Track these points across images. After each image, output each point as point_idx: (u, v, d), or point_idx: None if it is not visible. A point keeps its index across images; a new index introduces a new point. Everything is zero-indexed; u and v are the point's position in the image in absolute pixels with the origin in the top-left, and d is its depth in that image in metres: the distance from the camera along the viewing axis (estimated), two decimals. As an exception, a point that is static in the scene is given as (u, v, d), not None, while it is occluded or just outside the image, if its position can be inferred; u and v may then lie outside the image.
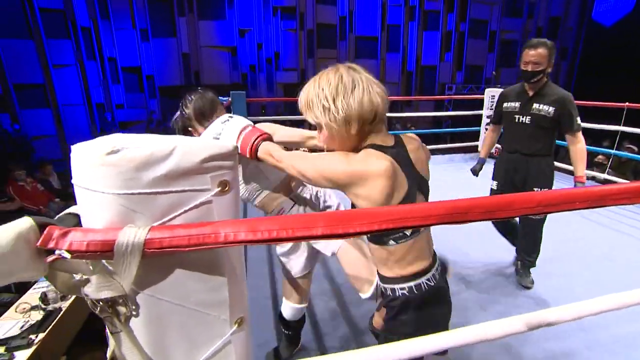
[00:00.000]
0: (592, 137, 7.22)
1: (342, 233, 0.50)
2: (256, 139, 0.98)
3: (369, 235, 0.92)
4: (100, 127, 10.62)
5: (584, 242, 2.83)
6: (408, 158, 0.92)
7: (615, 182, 4.61)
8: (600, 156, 5.91)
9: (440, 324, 0.98)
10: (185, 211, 0.51)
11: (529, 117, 2.05)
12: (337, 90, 0.86)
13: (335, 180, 0.85)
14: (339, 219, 0.51)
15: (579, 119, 2.00)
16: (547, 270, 2.35)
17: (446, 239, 1.91)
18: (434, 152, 6.47)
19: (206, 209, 0.52)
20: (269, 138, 1.02)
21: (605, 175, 4.36)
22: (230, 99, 4.62)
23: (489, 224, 2.33)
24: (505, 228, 2.38)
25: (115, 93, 10.75)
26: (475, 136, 5.60)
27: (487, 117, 5.41)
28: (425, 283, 0.93)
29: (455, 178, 4.60)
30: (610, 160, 4.54)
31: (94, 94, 10.40)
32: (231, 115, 1.11)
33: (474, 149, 5.68)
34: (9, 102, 9.31)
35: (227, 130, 1.01)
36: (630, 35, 11.15)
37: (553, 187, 2.13)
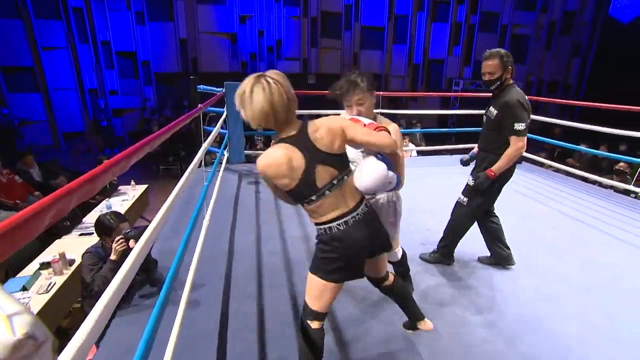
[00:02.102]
0: (608, 141, 6.85)
1: None
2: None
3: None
4: (92, 113, 10.22)
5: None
6: (308, 140, 1.21)
7: (637, 193, 4.26)
8: (621, 163, 5.53)
9: (346, 255, 1.29)
10: None
11: (486, 118, 2.28)
12: (241, 100, 1.17)
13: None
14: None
15: (518, 124, 2.06)
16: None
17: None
18: (441, 152, 6.14)
19: None
20: None
21: (626, 186, 3.99)
22: (224, 91, 4.25)
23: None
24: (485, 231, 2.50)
25: (108, 78, 10.31)
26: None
27: (500, 117, 5.05)
28: (335, 227, 1.27)
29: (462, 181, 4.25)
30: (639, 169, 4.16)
31: (86, 78, 9.97)
32: None
33: (484, 151, 5.33)
34: (-4, 85, 8.90)
35: None
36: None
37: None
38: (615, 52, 11.90)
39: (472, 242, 2.58)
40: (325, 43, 11.65)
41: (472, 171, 2.39)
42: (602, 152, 5.59)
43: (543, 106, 12.99)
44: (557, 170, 4.98)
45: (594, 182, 4.66)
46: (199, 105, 2.53)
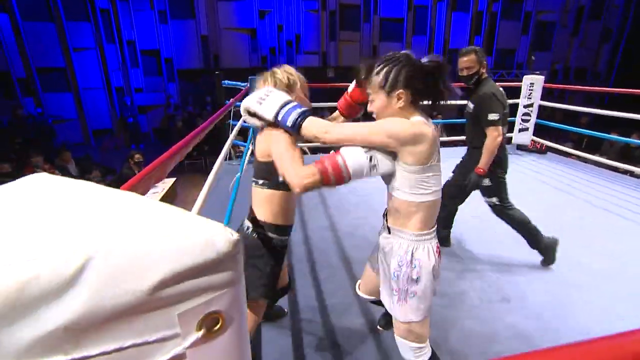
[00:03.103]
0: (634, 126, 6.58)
1: None
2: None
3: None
4: (119, 111, 10.62)
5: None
6: None
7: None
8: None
9: None
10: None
11: (465, 114, 2.35)
12: None
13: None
14: None
15: (492, 115, 2.12)
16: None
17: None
18: (462, 143, 6.07)
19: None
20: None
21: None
22: (248, 85, 4.36)
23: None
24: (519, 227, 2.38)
25: (134, 76, 10.67)
26: (509, 127, 5.16)
27: (524, 106, 4.96)
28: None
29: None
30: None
31: (113, 77, 10.36)
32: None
33: (508, 141, 5.26)
34: (33, 85, 9.39)
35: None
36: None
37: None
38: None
39: (499, 234, 2.60)
40: (344, 36, 11.62)
41: (455, 167, 2.48)
42: (634, 140, 5.41)
43: (569, 94, 12.57)
44: (586, 160, 4.86)
45: (625, 172, 4.53)
46: (230, 100, 2.65)
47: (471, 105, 2.27)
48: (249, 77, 4.39)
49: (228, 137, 4.54)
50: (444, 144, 5.69)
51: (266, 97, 1.08)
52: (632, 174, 4.51)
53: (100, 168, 6.07)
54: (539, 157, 4.95)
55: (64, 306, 0.23)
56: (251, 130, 4.59)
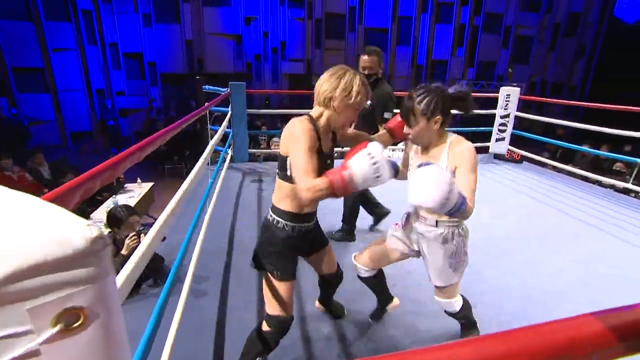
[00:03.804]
0: (610, 142, 6.87)
1: None
2: None
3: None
4: (99, 114, 10.40)
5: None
6: None
7: (637, 192, 4.29)
8: (618, 163, 5.56)
9: None
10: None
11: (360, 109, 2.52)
12: None
13: None
14: None
15: (387, 113, 2.36)
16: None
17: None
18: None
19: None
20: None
21: (625, 184, 4.01)
22: (229, 90, 4.34)
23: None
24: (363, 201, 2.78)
25: (115, 79, 10.49)
26: (487, 137, 5.28)
27: (501, 117, 5.08)
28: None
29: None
30: (638, 168, 4.18)
31: (94, 79, 10.15)
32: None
33: (485, 150, 5.38)
34: (7, 85, 9.10)
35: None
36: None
37: None
38: (620, 52, 11.86)
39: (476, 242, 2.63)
40: (329, 44, 11.74)
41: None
42: (602, 152, 5.62)
43: (547, 106, 13.00)
44: (560, 170, 5.01)
45: (594, 182, 4.69)
46: (206, 104, 2.62)
47: (368, 103, 2.41)
48: (229, 83, 4.37)
49: (208, 142, 4.50)
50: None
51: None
52: (600, 183, 4.67)
53: (75, 171, 5.90)
54: (514, 166, 5.06)
55: None
56: (230, 135, 4.56)
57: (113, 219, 2.24)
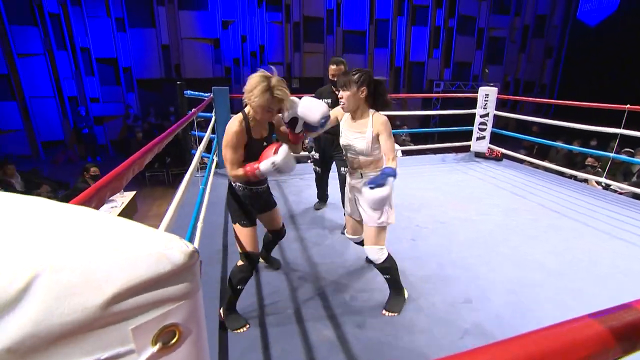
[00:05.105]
0: (581, 137, 7.20)
1: None
2: None
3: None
4: (73, 121, 10.00)
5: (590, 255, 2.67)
6: None
7: (606, 185, 4.51)
8: (589, 159, 5.85)
9: None
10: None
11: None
12: None
13: None
14: None
15: None
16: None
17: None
18: (425, 151, 6.31)
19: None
20: None
21: (598, 178, 4.22)
22: (212, 95, 4.27)
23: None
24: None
25: (89, 86, 10.11)
26: (468, 136, 5.43)
27: (481, 116, 5.24)
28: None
29: (447, 179, 4.40)
30: (610, 162, 4.40)
31: (65, 86, 9.75)
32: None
33: (466, 149, 5.52)
34: (-30, 93, 8.62)
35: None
36: (614, 35, 11.23)
37: None
38: (584, 54, 12.49)
39: (462, 239, 2.69)
40: (308, 47, 11.77)
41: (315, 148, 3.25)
42: (575, 147, 5.89)
43: (520, 104, 13.51)
44: (537, 166, 5.21)
45: (570, 177, 4.90)
46: (192, 110, 2.57)
47: (329, 101, 2.79)
48: (213, 88, 4.31)
49: (191, 148, 4.40)
50: (411, 153, 5.91)
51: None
52: (575, 178, 4.89)
53: (50, 182, 5.65)
54: (495, 164, 5.23)
55: (7, 326, 0.19)
56: (215, 142, 4.49)
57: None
